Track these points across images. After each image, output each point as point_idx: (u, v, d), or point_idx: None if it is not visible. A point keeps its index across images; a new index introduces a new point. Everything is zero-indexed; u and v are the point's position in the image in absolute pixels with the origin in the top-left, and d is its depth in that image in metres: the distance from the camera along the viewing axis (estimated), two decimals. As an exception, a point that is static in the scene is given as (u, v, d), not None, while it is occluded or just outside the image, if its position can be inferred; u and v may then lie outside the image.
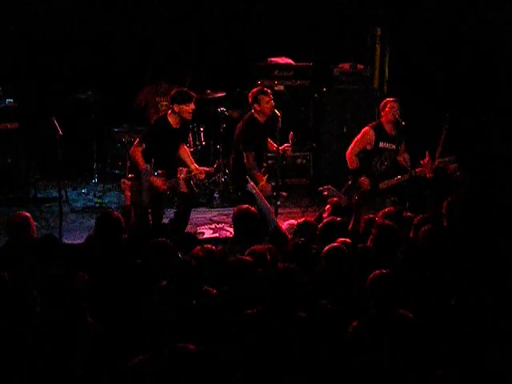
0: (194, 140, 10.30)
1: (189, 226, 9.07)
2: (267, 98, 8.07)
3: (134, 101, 10.61)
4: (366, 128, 8.42)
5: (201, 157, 10.50)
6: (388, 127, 8.33)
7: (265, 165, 8.10)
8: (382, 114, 8.40)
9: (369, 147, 8.32)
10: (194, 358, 4.16)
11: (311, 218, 7.37)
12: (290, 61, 10.94)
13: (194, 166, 8.02)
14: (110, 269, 5.59)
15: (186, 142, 8.24)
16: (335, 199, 7.37)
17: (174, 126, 7.89)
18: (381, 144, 8.32)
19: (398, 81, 10.97)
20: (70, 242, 7.45)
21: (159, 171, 7.75)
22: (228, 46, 11.23)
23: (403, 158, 8.44)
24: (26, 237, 6.11)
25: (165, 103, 10.60)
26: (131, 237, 6.36)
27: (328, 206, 7.34)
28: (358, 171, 8.25)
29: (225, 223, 9.22)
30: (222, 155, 10.39)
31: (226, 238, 7.94)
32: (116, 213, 6.43)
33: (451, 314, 4.95)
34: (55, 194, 9.34)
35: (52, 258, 5.68)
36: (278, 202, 8.04)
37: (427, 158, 8.13)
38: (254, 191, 7.41)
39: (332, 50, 11.19)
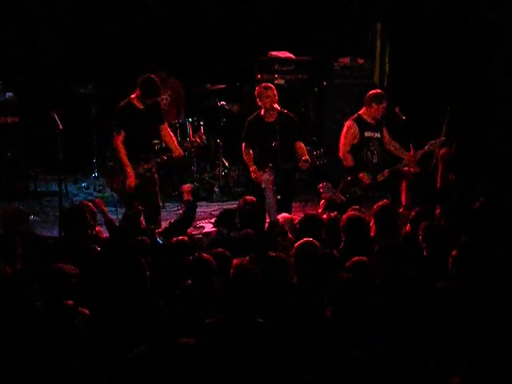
0: (194, 134, 10.29)
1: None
2: (267, 93, 8.11)
3: None
4: (348, 122, 8.45)
5: (201, 151, 10.52)
6: (368, 118, 8.35)
7: (270, 165, 8.11)
8: (367, 107, 8.37)
9: (355, 141, 8.34)
10: (194, 352, 4.16)
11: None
12: (290, 55, 10.94)
13: (179, 151, 8.12)
14: (102, 262, 5.61)
15: (163, 122, 8.21)
16: (328, 195, 7.38)
17: (140, 107, 7.95)
18: (366, 134, 8.34)
19: (398, 75, 10.97)
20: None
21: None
22: (229, 40, 11.22)
23: (393, 146, 8.45)
24: (21, 230, 6.14)
25: (165, 97, 10.62)
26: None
27: (322, 202, 7.38)
28: (355, 168, 8.26)
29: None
30: (222, 149, 10.41)
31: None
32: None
33: (450, 311, 4.95)
34: (55, 188, 9.34)
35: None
36: (278, 197, 8.05)
37: (411, 152, 8.16)
38: (267, 181, 7.50)
39: (332, 44, 11.19)
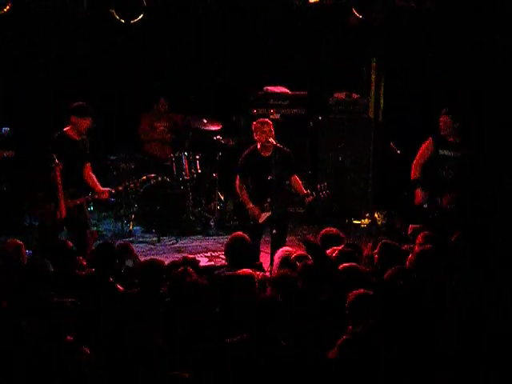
0: (190, 168, 10.32)
1: (184, 255, 9.07)
2: (263, 128, 8.15)
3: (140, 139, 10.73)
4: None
5: (196, 184, 10.54)
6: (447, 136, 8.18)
7: (269, 200, 8.11)
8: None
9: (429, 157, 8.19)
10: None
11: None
12: (285, 90, 11.01)
13: (99, 187, 8.12)
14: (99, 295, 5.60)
15: (88, 158, 8.23)
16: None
17: (75, 138, 8.02)
18: (440, 152, 8.23)
19: (393, 110, 11.03)
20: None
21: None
22: (224, 74, 11.28)
23: None
24: (18, 263, 6.13)
25: (162, 127, 10.69)
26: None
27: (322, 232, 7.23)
28: (416, 183, 8.18)
29: (220, 251, 9.21)
30: (218, 183, 10.43)
31: (222, 266, 7.92)
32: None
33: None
34: (51, 221, 9.29)
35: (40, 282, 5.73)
36: (274, 231, 8.04)
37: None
38: None
39: (327, 79, 11.26)
